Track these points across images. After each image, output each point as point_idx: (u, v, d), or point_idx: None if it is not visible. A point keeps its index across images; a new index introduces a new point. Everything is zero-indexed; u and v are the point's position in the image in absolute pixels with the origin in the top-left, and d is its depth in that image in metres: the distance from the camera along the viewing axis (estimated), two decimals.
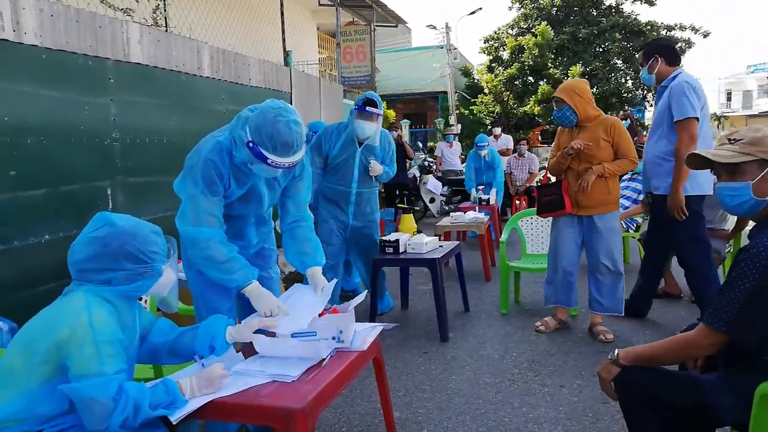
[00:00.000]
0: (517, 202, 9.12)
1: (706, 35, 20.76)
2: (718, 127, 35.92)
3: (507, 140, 10.78)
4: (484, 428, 2.74)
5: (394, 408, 2.77)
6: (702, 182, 3.75)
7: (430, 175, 10.31)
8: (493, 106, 20.37)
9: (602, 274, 3.84)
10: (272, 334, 2.09)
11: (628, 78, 20.07)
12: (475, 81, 21.94)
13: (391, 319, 4.44)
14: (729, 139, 1.83)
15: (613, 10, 21.05)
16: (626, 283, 3.96)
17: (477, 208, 6.80)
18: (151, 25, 5.22)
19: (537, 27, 19.85)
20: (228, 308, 2.43)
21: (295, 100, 6.79)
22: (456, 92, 20.66)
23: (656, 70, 3.86)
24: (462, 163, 10.76)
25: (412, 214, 5.26)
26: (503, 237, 4.76)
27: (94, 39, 3.71)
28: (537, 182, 8.99)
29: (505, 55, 20.62)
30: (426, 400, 3.06)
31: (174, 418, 1.67)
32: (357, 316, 2.32)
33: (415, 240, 4.22)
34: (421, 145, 15.44)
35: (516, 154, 9.43)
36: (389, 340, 3.94)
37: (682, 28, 20.56)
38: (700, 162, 1.91)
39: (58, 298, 1.75)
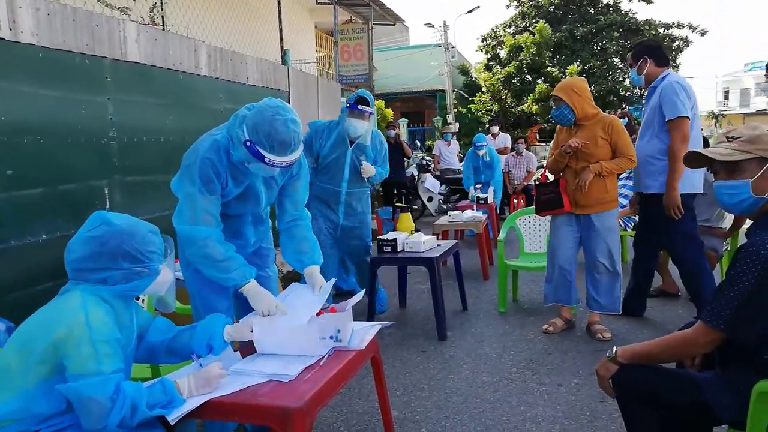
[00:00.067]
0: (515, 200, 9.12)
1: (703, 33, 20.81)
2: (715, 125, 35.97)
3: (505, 139, 10.79)
4: (482, 427, 2.74)
5: (392, 407, 2.77)
6: (693, 181, 3.78)
7: (428, 174, 10.31)
8: (491, 105, 20.39)
9: (600, 272, 3.85)
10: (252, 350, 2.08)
11: (626, 76, 20.11)
12: (473, 79, 21.95)
13: (389, 318, 4.44)
14: (727, 137, 1.83)
15: (611, 8, 21.08)
16: (624, 281, 3.97)
17: (475, 206, 6.80)
18: (148, 23, 5.21)
19: (535, 25, 19.86)
20: (225, 307, 2.43)
21: (293, 98, 6.78)
22: (454, 91, 20.67)
23: (645, 71, 3.91)
24: (460, 161, 10.76)
25: (410, 213, 5.25)
26: (501, 236, 4.77)
27: (91, 38, 3.70)
28: (535, 181, 9.00)
29: (503, 53, 20.64)
30: (424, 399, 3.07)
31: (171, 418, 1.67)
32: (354, 316, 2.32)
33: (413, 239, 4.22)
34: (419, 143, 15.44)
35: (514, 153, 9.43)
36: (387, 339, 3.94)
37: (679, 26, 20.61)
38: (697, 160, 1.92)
39: (54, 298, 1.75)
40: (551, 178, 4.12)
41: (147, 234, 1.80)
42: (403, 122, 15.76)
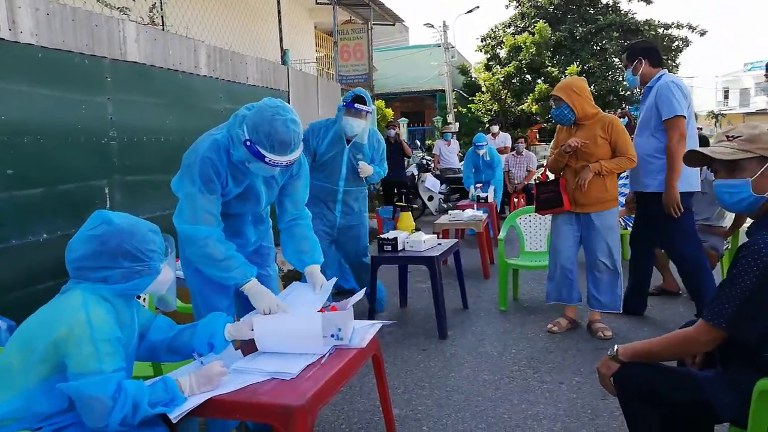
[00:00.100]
0: (515, 200, 9.12)
1: (703, 34, 20.82)
2: (715, 125, 35.98)
3: (505, 138, 10.79)
4: (484, 425, 2.74)
5: (394, 405, 2.76)
6: (691, 179, 3.81)
7: (429, 174, 10.31)
8: (491, 105, 20.40)
9: (600, 271, 3.85)
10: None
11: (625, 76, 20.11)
12: (473, 79, 21.97)
13: (390, 317, 4.44)
14: (727, 136, 1.83)
15: (610, 8, 21.08)
16: (624, 279, 3.97)
17: (475, 205, 6.80)
18: (148, 23, 5.21)
19: (534, 26, 19.87)
20: (226, 306, 2.43)
21: (293, 98, 6.78)
22: (454, 90, 20.68)
23: (640, 71, 3.94)
24: (460, 161, 10.76)
25: (410, 212, 5.25)
26: (501, 234, 4.77)
27: (91, 38, 3.70)
28: (535, 180, 9.00)
29: (503, 53, 20.65)
30: (425, 397, 3.07)
31: (173, 416, 1.67)
32: (355, 315, 2.32)
33: (413, 238, 4.22)
34: (419, 143, 15.45)
35: (514, 152, 9.43)
36: (388, 337, 3.94)
37: (679, 26, 20.63)
38: (697, 159, 1.92)
39: (55, 297, 1.75)
40: (551, 177, 4.12)
41: (147, 233, 1.80)
42: (403, 122, 15.77)
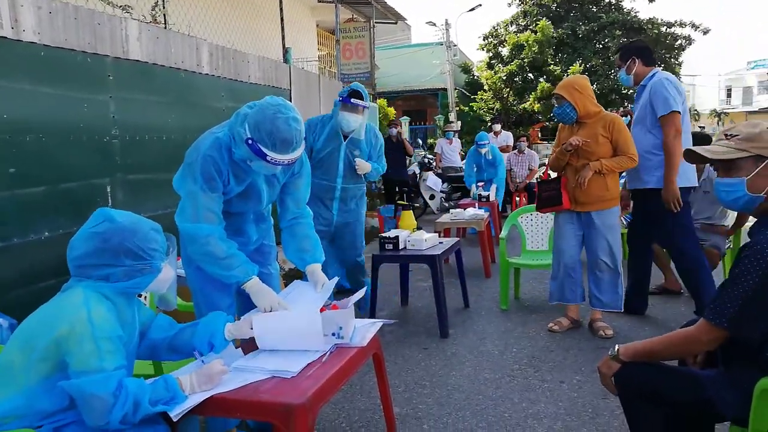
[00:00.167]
0: (517, 198, 9.12)
1: (706, 32, 20.78)
2: (718, 123, 35.89)
3: (507, 137, 10.78)
4: (484, 424, 2.74)
5: (394, 404, 2.77)
6: (688, 174, 3.85)
7: (430, 172, 10.30)
8: (493, 103, 20.38)
9: (601, 270, 3.84)
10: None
11: None
12: (475, 78, 21.96)
13: (391, 315, 4.44)
14: (726, 135, 1.83)
15: (613, 6, 21.05)
16: (624, 278, 3.97)
17: (477, 204, 6.80)
18: (150, 22, 5.21)
19: (537, 24, 19.84)
20: (228, 304, 2.43)
21: (295, 97, 6.78)
22: (456, 89, 20.66)
23: (634, 71, 3.98)
24: (462, 159, 10.76)
25: (411, 211, 5.24)
26: (503, 233, 4.76)
27: (93, 36, 3.71)
28: (537, 178, 8.99)
29: (505, 51, 20.62)
30: (426, 395, 3.07)
31: (174, 414, 1.67)
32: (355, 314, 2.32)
33: (414, 236, 4.22)
34: (420, 142, 15.44)
35: (516, 151, 9.43)
36: (389, 336, 3.95)
37: (681, 24, 20.58)
38: (698, 157, 1.91)
39: (56, 295, 1.75)
40: (553, 175, 4.11)
41: (149, 231, 1.80)
42: (405, 120, 15.74)
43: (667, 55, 20.73)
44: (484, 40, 21.53)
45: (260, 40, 7.47)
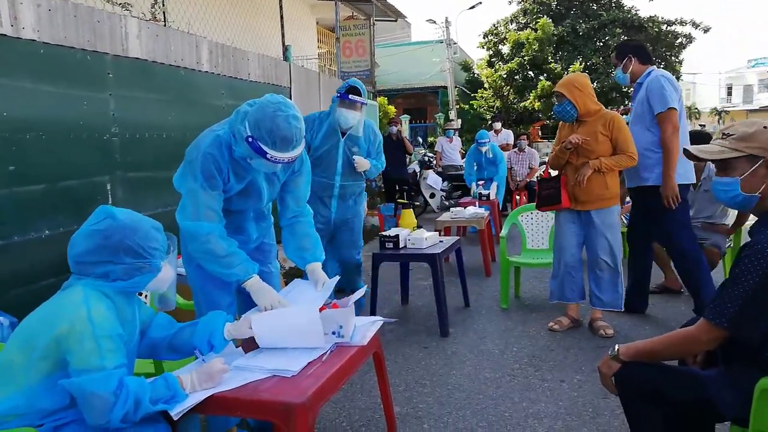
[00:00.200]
0: (518, 197, 9.12)
1: (706, 30, 20.73)
2: (718, 122, 35.88)
3: (507, 135, 10.77)
4: (485, 423, 2.74)
5: (395, 403, 2.77)
6: (686, 171, 3.88)
7: (431, 171, 10.30)
8: (493, 101, 20.35)
9: (601, 269, 3.84)
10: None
11: None
12: (475, 76, 21.91)
13: (392, 314, 4.44)
14: (723, 134, 1.84)
15: (614, 4, 21.01)
16: (624, 278, 3.97)
17: (477, 203, 6.79)
18: (150, 19, 5.20)
19: (537, 22, 19.81)
20: (228, 303, 2.43)
21: (295, 94, 6.78)
22: (456, 87, 20.62)
23: (630, 69, 4.01)
24: (462, 158, 10.75)
25: (412, 210, 5.24)
26: (503, 232, 4.76)
27: (93, 34, 3.70)
28: (538, 177, 8.99)
29: (505, 49, 20.60)
30: (426, 395, 3.07)
31: (174, 413, 1.67)
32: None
33: (415, 235, 4.22)
34: (421, 140, 15.42)
35: (516, 149, 9.42)
36: (389, 335, 3.94)
37: (682, 23, 20.54)
38: (694, 156, 1.92)
39: (56, 293, 1.75)
40: (554, 173, 4.12)
41: (150, 230, 1.80)
42: (405, 119, 15.73)
43: (668, 54, 20.71)
44: (484, 38, 21.49)
45: (260, 38, 7.46)
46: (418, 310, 4.62)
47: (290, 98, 5.75)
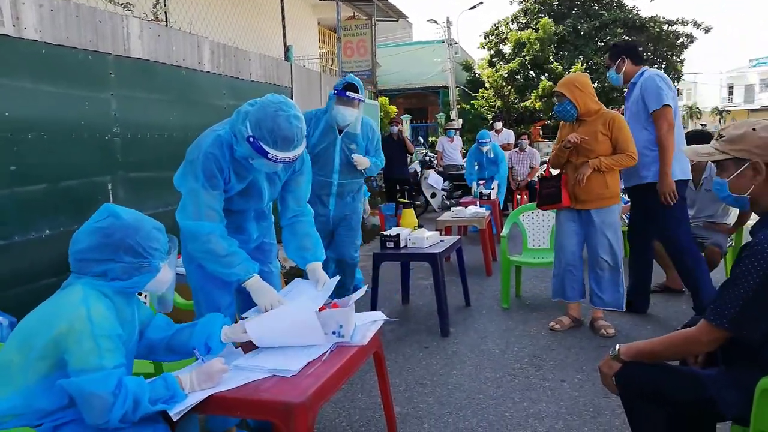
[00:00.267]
0: (518, 196, 9.11)
1: (708, 30, 20.71)
2: (719, 121, 35.83)
3: (508, 135, 10.76)
4: (485, 423, 2.74)
5: (395, 403, 2.77)
6: (684, 167, 3.91)
7: (431, 170, 10.30)
8: (494, 101, 20.34)
9: (602, 269, 3.84)
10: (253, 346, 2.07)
11: None
12: (476, 75, 21.90)
13: (392, 313, 4.44)
14: (718, 135, 1.86)
15: (615, 4, 21.00)
16: (625, 277, 3.97)
17: (478, 202, 6.79)
18: (152, 19, 5.21)
19: (538, 21, 19.79)
20: (228, 302, 2.43)
21: (296, 94, 6.78)
22: (457, 87, 20.61)
23: (623, 70, 4.05)
24: (463, 157, 10.75)
25: (413, 209, 5.26)
26: (504, 231, 4.76)
27: (95, 34, 3.70)
28: (538, 176, 8.99)
29: (507, 49, 20.59)
30: (427, 394, 3.07)
31: (174, 413, 1.67)
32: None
33: (416, 235, 4.21)
34: (422, 140, 15.42)
35: (517, 149, 9.42)
36: (390, 334, 3.94)
37: (683, 22, 20.53)
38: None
39: (55, 293, 1.75)
40: (555, 173, 4.12)
41: (152, 230, 1.80)
42: (406, 118, 15.72)
43: (669, 53, 20.69)
44: (485, 38, 21.48)
45: (261, 38, 7.47)
46: (418, 309, 4.62)
47: (291, 98, 5.75)
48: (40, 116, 3.28)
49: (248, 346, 2.08)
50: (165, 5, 5.63)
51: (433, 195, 10.11)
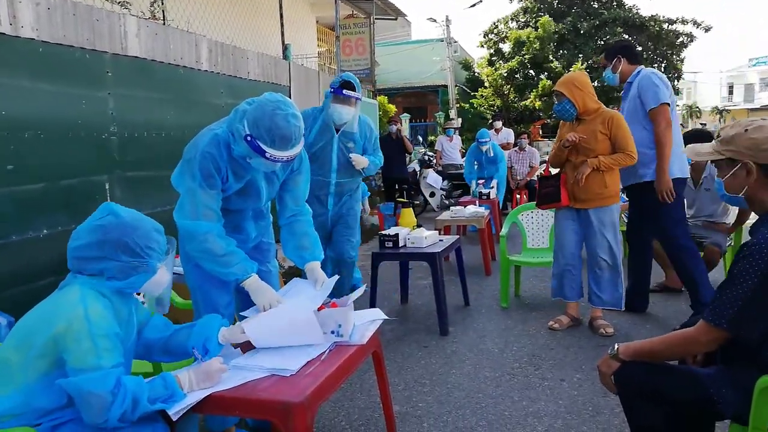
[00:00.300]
0: (518, 196, 9.11)
1: (707, 29, 20.71)
2: (719, 120, 35.87)
3: (508, 134, 10.76)
4: (485, 422, 2.73)
5: (394, 402, 2.76)
6: (681, 166, 3.92)
7: (431, 170, 10.30)
8: (494, 100, 20.33)
9: (601, 268, 3.84)
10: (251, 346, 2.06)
11: None
12: (476, 74, 21.88)
13: (391, 313, 4.44)
14: (717, 134, 1.87)
15: (615, 2, 21.00)
16: (624, 277, 3.97)
17: (477, 202, 6.78)
18: (149, 18, 5.19)
19: (538, 20, 19.78)
20: (226, 302, 2.42)
21: (294, 93, 6.77)
22: (456, 86, 20.60)
23: (620, 69, 4.06)
24: (462, 157, 10.74)
25: (411, 209, 5.25)
26: (503, 231, 4.75)
27: (92, 32, 3.69)
28: (538, 176, 8.99)
29: (506, 48, 20.58)
30: (426, 394, 3.06)
31: (173, 412, 1.66)
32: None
33: (415, 234, 4.21)
34: (421, 139, 15.43)
35: (517, 148, 9.41)
36: (389, 334, 3.94)
37: (683, 21, 20.52)
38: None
39: (53, 292, 1.75)
40: (554, 172, 4.12)
41: (150, 230, 1.80)
42: (405, 117, 15.71)
43: (669, 52, 20.69)
44: (484, 36, 21.47)
45: (259, 37, 7.45)
46: (417, 309, 4.62)
47: (290, 97, 5.74)
48: (37, 115, 3.27)
49: (247, 346, 2.07)
50: (162, 3, 5.61)
51: (432, 194, 10.11)
